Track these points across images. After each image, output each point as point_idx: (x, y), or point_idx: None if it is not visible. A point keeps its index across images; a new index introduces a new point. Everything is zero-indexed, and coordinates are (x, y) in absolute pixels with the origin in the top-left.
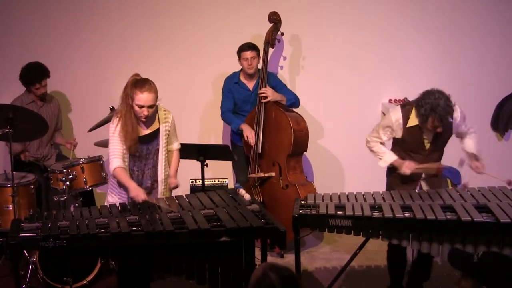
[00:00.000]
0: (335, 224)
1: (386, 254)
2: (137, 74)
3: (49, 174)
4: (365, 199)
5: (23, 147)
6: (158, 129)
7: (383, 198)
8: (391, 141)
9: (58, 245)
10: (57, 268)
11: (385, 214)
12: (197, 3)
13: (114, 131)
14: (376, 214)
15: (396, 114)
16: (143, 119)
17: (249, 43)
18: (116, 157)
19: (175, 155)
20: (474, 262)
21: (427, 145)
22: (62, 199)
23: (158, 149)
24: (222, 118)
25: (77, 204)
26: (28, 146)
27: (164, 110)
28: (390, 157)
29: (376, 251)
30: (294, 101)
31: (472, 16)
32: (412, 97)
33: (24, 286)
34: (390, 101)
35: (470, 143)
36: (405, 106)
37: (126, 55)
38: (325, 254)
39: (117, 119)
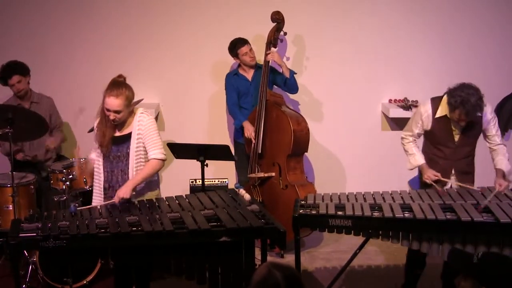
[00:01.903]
0: (335, 224)
1: (407, 253)
2: (120, 76)
3: (49, 174)
4: (365, 199)
5: (19, 147)
6: (130, 133)
7: (383, 198)
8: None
9: (58, 245)
10: (57, 268)
11: (385, 214)
12: (198, 2)
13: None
14: (376, 214)
15: (425, 106)
16: (112, 123)
17: (238, 38)
18: (93, 151)
19: (149, 164)
20: (474, 263)
21: (456, 137)
22: (62, 199)
23: (128, 153)
24: (229, 113)
25: (77, 204)
26: (23, 147)
27: (141, 113)
28: (417, 161)
29: (376, 251)
30: (296, 84)
31: (472, 16)
32: (412, 97)
33: (24, 286)
34: (390, 101)
35: (504, 161)
36: (435, 98)
37: (126, 55)
38: (325, 254)
39: (97, 117)
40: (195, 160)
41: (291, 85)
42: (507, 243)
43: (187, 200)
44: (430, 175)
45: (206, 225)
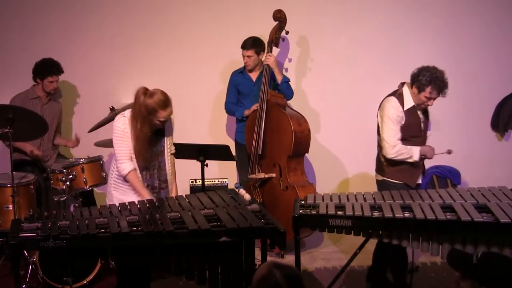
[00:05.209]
0: (335, 224)
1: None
2: (146, 88)
3: (49, 174)
4: (365, 199)
5: (31, 146)
6: (162, 130)
7: (383, 198)
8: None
9: (58, 245)
10: (57, 268)
11: (385, 214)
12: (199, 1)
13: (122, 133)
14: (376, 214)
15: (392, 102)
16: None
17: (249, 39)
18: (125, 160)
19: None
20: (474, 263)
21: (422, 124)
22: (62, 199)
23: (163, 150)
24: (226, 111)
25: (77, 204)
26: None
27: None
28: (417, 149)
29: None
30: (289, 90)
31: (472, 16)
32: None
33: (24, 286)
34: None
35: None
36: (393, 94)
37: (126, 55)
38: (325, 254)
39: (128, 121)
40: (195, 160)
41: (282, 91)
42: (507, 243)
43: (187, 200)
44: (431, 151)
45: (206, 225)
